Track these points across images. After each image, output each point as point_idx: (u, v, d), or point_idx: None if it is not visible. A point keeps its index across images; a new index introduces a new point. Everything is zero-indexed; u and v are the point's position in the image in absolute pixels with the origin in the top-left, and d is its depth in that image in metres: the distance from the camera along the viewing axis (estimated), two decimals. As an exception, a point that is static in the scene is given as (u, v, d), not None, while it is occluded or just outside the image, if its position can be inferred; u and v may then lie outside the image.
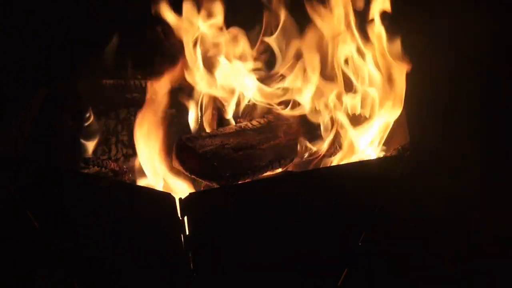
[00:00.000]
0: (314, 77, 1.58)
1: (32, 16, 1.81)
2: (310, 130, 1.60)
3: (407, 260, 1.70)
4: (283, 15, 1.63)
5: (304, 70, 1.60)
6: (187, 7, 1.58)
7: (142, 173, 1.53)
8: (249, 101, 1.68)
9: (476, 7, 1.84)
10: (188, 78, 1.58)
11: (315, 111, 1.60)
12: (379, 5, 1.57)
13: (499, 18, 1.91)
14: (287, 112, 1.61)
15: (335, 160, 1.58)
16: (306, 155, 1.58)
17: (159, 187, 1.51)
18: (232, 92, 1.62)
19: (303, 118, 1.61)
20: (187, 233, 1.23)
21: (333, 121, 1.58)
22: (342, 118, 1.57)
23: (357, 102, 1.61)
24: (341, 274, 1.50)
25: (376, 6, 1.57)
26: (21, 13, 1.81)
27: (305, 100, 1.60)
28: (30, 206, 1.43)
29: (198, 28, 1.60)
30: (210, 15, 1.60)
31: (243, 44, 1.65)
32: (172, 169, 1.49)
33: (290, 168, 1.57)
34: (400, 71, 1.54)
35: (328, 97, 1.59)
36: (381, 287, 1.66)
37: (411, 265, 1.69)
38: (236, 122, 1.67)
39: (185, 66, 1.57)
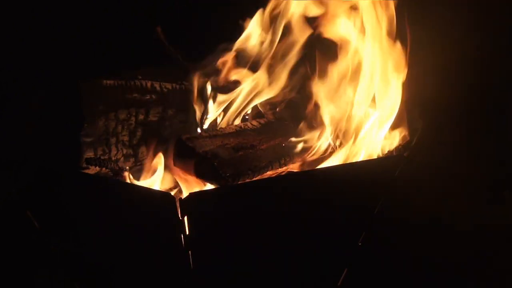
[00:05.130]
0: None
1: (32, 16, 1.81)
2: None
3: (407, 260, 1.70)
4: None
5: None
6: None
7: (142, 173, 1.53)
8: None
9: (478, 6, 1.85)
10: None
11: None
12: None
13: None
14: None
15: (335, 160, 1.58)
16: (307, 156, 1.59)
17: (159, 187, 1.51)
18: None
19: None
20: (187, 233, 1.23)
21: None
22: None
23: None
24: (341, 274, 1.50)
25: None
26: (21, 13, 1.81)
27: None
28: (30, 206, 1.42)
29: None
30: None
31: None
32: (172, 169, 1.49)
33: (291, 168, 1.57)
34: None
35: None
36: (381, 287, 1.66)
37: (411, 265, 1.69)
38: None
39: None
